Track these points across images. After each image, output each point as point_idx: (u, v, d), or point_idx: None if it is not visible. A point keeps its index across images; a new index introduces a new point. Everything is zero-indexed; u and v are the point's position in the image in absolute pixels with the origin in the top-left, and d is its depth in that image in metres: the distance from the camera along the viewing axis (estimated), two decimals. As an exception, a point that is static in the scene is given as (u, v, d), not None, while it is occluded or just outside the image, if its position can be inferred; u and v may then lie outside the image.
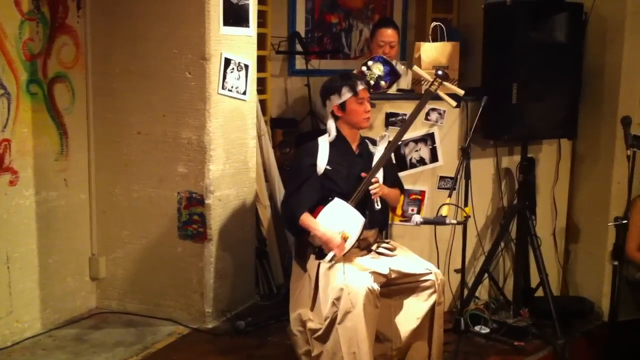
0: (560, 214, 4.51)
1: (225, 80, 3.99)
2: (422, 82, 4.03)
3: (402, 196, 3.85)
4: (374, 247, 3.45)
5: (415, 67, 3.77)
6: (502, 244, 4.30)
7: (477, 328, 3.98)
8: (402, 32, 5.40)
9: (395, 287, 3.29)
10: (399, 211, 4.10)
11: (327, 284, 3.15)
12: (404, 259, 3.35)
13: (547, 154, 4.44)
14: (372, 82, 4.06)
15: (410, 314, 3.27)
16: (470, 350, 3.79)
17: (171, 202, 4.06)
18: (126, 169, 4.15)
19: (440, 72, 3.50)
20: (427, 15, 5.67)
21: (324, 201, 3.31)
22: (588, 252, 4.43)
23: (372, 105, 3.54)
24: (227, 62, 3.98)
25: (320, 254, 3.27)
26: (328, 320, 3.10)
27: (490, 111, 3.97)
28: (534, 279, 4.25)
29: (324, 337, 3.14)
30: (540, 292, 4.14)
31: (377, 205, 3.39)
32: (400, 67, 4.39)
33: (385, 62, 4.13)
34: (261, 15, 4.64)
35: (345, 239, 3.23)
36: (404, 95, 4.27)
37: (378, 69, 4.10)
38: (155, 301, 4.16)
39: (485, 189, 4.35)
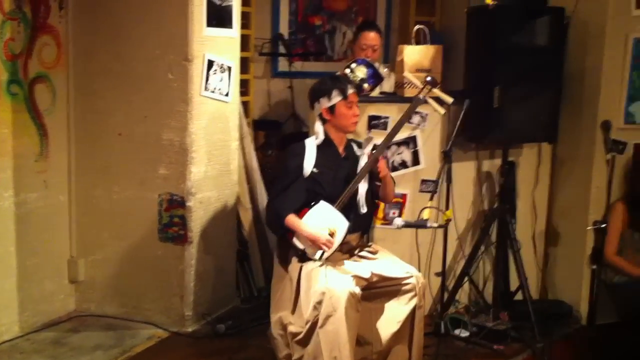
0: (540, 218, 4.54)
1: (208, 82, 3.98)
2: (406, 85, 4.05)
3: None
4: (356, 251, 3.45)
5: (407, 73, 3.77)
6: (483, 248, 4.32)
7: (457, 331, 4.00)
8: (385, 35, 5.42)
9: (377, 291, 3.29)
10: (380, 214, 4.10)
11: (309, 288, 3.15)
12: (386, 263, 3.36)
13: (528, 157, 4.47)
14: (355, 85, 4.06)
15: (391, 317, 3.28)
16: (450, 353, 3.80)
17: (152, 204, 4.03)
18: (107, 170, 4.12)
19: (429, 79, 3.50)
20: (410, 18, 5.68)
21: (309, 204, 3.31)
22: (567, 255, 4.45)
23: None
24: (210, 63, 3.97)
25: (304, 257, 3.26)
26: (309, 324, 3.10)
27: (472, 114, 3.98)
28: (514, 283, 4.27)
29: (304, 341, 3.14)
30: (519, 296, 4.16)
31: (363, 209, 3.39)
32: (383, 70, 4.39)
33: (369, 65, 4.13)
34: (244, 16, 4.62)
35: (332, 235, 3.23)
36: (387, 98, 4.28)
37: (361, 72, 4.10)
38: (135, 304, 4.14)
39: (466, 193, 4.37)
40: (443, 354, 3.73)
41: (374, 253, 3.45)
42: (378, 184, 3.49)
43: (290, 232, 3.31)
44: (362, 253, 3.45)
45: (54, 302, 4.15)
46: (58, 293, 4.18)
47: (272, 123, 5.43)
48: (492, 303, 4.28)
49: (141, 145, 4.03)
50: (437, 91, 3.45)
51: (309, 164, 3.35)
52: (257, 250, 4.63)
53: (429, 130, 4.20)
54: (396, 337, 3.27)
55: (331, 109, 3.38)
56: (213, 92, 4.03)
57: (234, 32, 4.17)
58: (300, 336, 3.15)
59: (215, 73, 4.02)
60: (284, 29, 5.55)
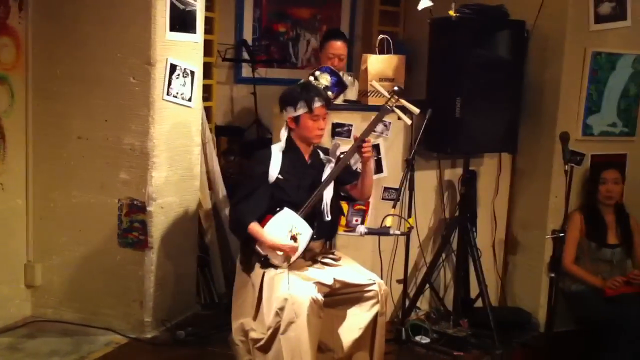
0: (500, 226, 4.60)
1: (171, 86, 3.95)
2: (370, 94, 4.07)
3: (347, 206, 3.86)
4: (319, 258, 3.44)
5: (374, 82, 3.77)
6: (444, 255, 4.36)
7: (417, 338, 4.02)
8: (349, 44, 5.44)
9: (339, 297, 3.29)
10: (343, 221, 4.11)
11: (271, 294, 3.13)
12: (348, 270, 3.36)
13: (489, 167, 4.53)
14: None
15: (353, 324, 3.27)
16: (411, 360, 3.83)
17: (112, 209, 3.98)
18: (65, 174, 4.06)
19: (396, 88, 3.51)
20: (373, 28, 5.74)
21: (273, 210, 3.29)
22: (526, 264, 4.52)
23: None
24: (173, 67, 3.94)
25: (266, 263, 3.25)
26: (271, 330, 3.08)
27: (434, 124, 4.02)
28: (474, 290, 4.32)
29: (266, 347, 3.12)
30: (479, 303, 4.21)
31: (327, 217, 3.39)
32: (347, 78, 4.42)
33: (333, 73, 4.15)
34: (208, 21, 4.61)
35: (294, 238, 3.22)
36: (350, 106, 4.30)
37: (325, 80, 4.11)
38: (93, 310, 4.07)
39: (428, 201, 4.41)
40: (404, 360, 3.75)
41: (337, 260, 3.45)
42: (354, 182, 3.49)
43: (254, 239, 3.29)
44: (325, 260, 3.44)
45: (9, 307, 4.06)
46: (14, 298, 4.09)
47: (235, 129, 5.41)
48: (452, 310, 4.32)
49: (101, 149, 3.97)
50: (404, 101, 3.46)
51: (274, 171, 3.34)
52: (218, 256, 4.60)
53: (392, 138, 4.23)
54: (358, 343, 3.27)
55: (296, 119, 3.36)
56: (175, 96, 4.00)
57: (198, 37, 4.15)
58: (262, 342, 3.13)
59: (178, 77, 3.99)
60: (247, 35, 5.54)
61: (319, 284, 3.17)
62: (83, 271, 4.08)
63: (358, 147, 3.34)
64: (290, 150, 3.41)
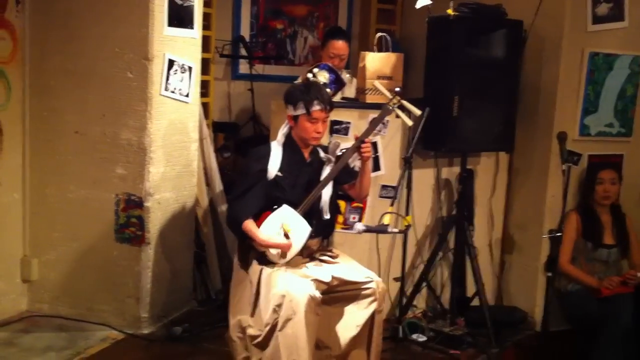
0: (497, 225, 4.61)
1: (168, 82, 3.94)
2: (368, 92, 4.07)
3: (345, 203, 3.85)
4: (316, 255, 3.44)
5: (376, 82, 3.74)
6: (440, 254, 4.37)
7: (414, 336, 4.03)
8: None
9: (336, 295, 3.28)
10: (340, 219, 4.11)
11: (269, 291, 3.12)
12: (346, 267, 3.36)
13: (486, 166, 4.54)
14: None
15: (350, 321, 3.27)
16: (408, 358, 3.84)
17: (108, 204, 3.97)
18: (62, 169, 4.04)
19: (398, 89, 3.50)
20: (370, 26, 5.73)
21: (271, 207, 3.28)
22: (522, 263, 4.53)
23: None
24: (171, 63, 3.93)
25: (264, 260, 3.24)
26: (268, 327, 3.07)
27: (430, 123, 4.02)
28: (470, 289, 4.33)
29: (263, 344, 3.11)
30: (476, 302, 4.22)
31: (326, 215, 3.38)
32: (345, 76, 4.41)
33: (331, 70, 4.14)
34: (205, 17, 4.59)
35: (287, 235, 3.21)
36: (348, 103, 4.29)
37: (323, 77, 4.11)
38: (89, 305, 4.06)
39: (425, 199, 4.41)
40: (400, 358, 3.76)
41: (334, 257, 3.45)
42: (352, 182, 3.49)
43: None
44: (323, 257, 3.44)
45: (4, 301, 4.05)
46: (9, 292, 4.08)
47: (231, 125, 5.41)
48: (449, 308, 4.33)
49: (98, 144, 3.96)
50: (405, 102, 3.45)
51: (273, 167, 3.33)
52: (214, 252, 4.59)
53: (389, 136, 4.24)
54: (355, 341, 3.27)
55: (295, 118, 3.36)
56: (173, 92, 3.99)
57: (195, 33, 4.14)
58: (259, 339, 3.12)
59: (175, 73, 3.98)
60: (245, 31, 5.54)
61: (317, 281, 3.17)
62: (79, 266, 4.07)
63: (357, 147, 3.34)
64: (289, 147, 3.40)
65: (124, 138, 3.90)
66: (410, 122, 3.57)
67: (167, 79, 3.92)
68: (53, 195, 4.07)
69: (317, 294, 3.09)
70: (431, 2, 4.29)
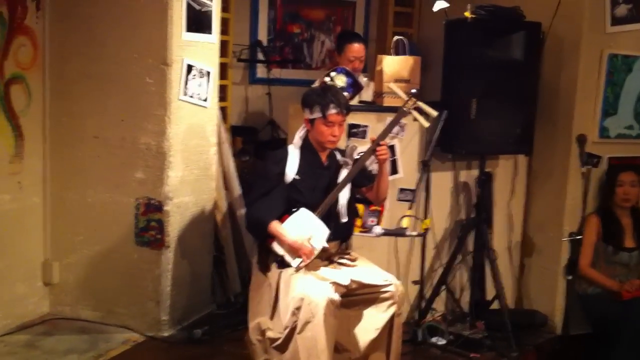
0: (516, 228, 4.59)
1: (187, 87, 3.96)
2: (385, 95, 4.07)
3: (363, 207, 3.85)
4: (335, 258, 3.44)
5: (392, 85, 3.76)
6: (459, 257, 4.35)
7: (434, 339, 4.02)
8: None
9: (355, 298, 3.28)
10: (359, 222, 4.11)
11: (288, 293, 3.14)
12: (365, 270, 3.36)
13: (504, 169, 4.52)
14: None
15: (369, 324, 3.27)
16: (427, 361, 3.83)
17: (128, 208, 3.99)
18: (82, 173, 4.07)
19: (414, 91, 3.50)
20: (387, 29, 5.73)
21: (289, 210, 3.29)
22: (542, 266, 4.50)
23: None
24: (189, 68, 3.95)
25: (283, 263, 3.25)
26: (287, 330, 3.08)
27: (448, 125, 4.02)
28: (490, 292, 4.31)
29: (282, 347, 3.12)
30: (496, 305, 4.20)
31: (344, 218, 3.39)
32: (363, 79, 4.42)
33: (348, 74, 4.14)
34: (223, 22, 4.62)
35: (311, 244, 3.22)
36: (365, 107, 4.29)
37: (340, 81, 4.11)
38: (110, 308, 4.09)
39: (444, 202, 4.40)
40: (420, 361, 3.75)
41: (353, 260, 3.45)
42: (370, 185, 3.49)
43: (271, 238, 3.30)
44: (342, 260, 3.44)
45: (27, 304, 4.08)
46: (31, 296, 4.11)
47: (249, 129, 5.42)
48: (468, 312, 4.31)
49: (117, 149, 3.99)
50: (422, 104, 3.44)
51: (291, 171, 3.34)
52: (233, 255, 4.60)
53: (407, 139, 4.23)
54: (374, 344, 3.27)
55: (311, 121, 3.37)
56: (192, 96, 4.01)
57: (213, 38, 4.16)
58: (279, 342, 3.13)
59: (194, 78, 4.00)
60: (262, 36, 5.56)
61: (336, 284, 3.17)
62: (100, 270, 4.10)
63: (374, 150, 3.34)
64: (306, 150, 3.41)
65: (143, 142, 3.93)
66: (426, 124, 3.56)
67: (186, 83, 3.94)
68: (73, 199, 4.10)
69: (336, 297, 3.09)
70: (448, 5, 4.28)
